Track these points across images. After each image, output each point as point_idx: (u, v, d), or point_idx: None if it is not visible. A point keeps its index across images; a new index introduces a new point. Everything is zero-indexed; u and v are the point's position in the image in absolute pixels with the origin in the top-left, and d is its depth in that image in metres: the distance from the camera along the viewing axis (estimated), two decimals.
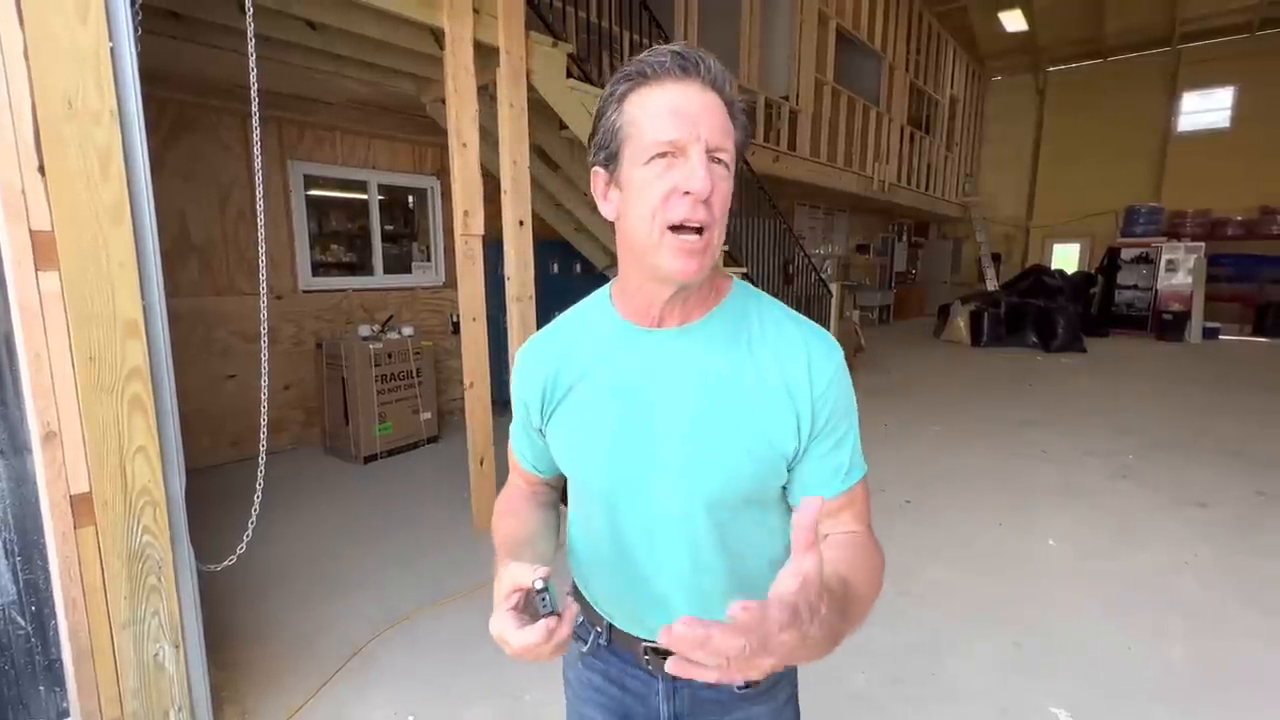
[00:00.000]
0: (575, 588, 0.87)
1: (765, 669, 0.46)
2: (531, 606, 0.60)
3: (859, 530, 0.72)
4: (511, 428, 0.88)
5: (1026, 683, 2.04)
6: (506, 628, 0.58)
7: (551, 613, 0.58)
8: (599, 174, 0.69)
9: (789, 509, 0.75)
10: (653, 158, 0.62)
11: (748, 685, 0.79)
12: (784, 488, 0.73)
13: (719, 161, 0.62)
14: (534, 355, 0.79)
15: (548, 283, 5.04)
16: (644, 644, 0.79)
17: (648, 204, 0.62)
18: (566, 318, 0.81)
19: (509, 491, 0.90)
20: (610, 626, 0.81)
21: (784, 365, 0.69)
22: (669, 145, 0.61)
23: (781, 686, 0.83)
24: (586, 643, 0.84)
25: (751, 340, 0.71)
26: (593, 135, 0.68)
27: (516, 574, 0.61)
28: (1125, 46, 12.04)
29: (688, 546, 0.72)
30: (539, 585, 0.59)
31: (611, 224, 0.69)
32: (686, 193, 0.61)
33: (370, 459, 4.24)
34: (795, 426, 0.69)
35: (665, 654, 0.73)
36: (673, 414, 0.70)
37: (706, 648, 0.44)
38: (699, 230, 0.62)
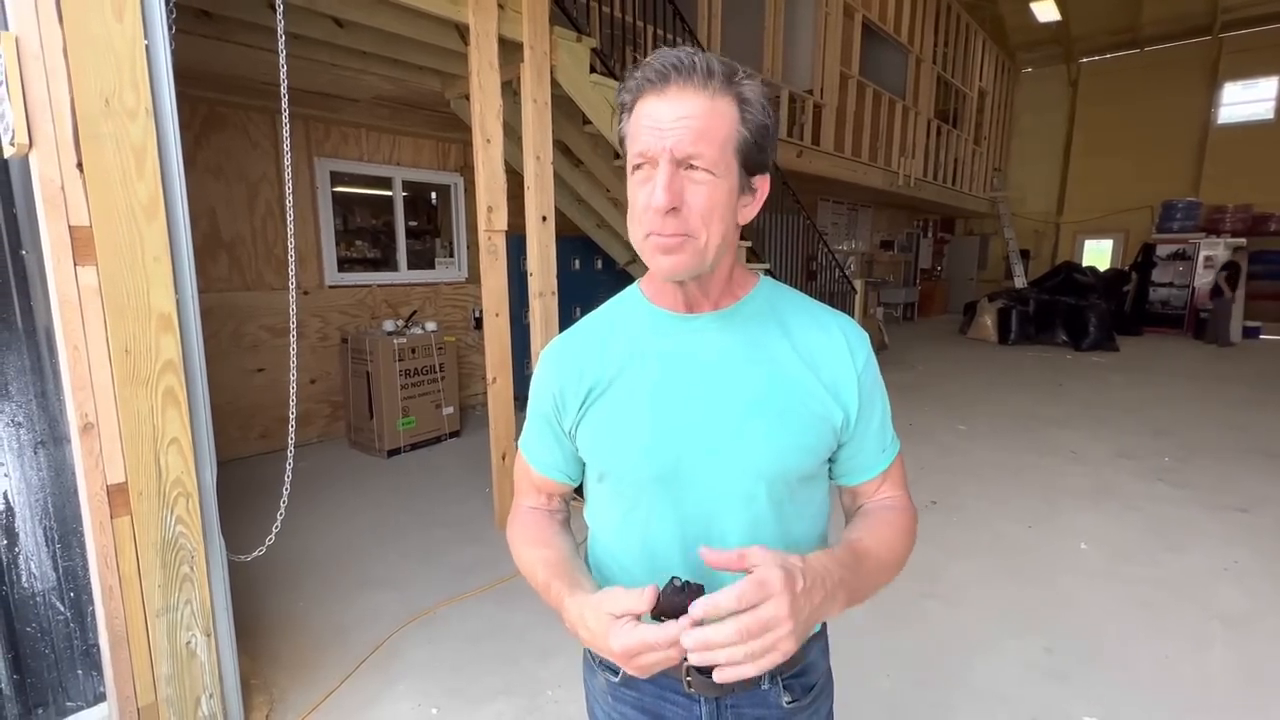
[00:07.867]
0: None
1: (786, 635, 0.52)
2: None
3: (896, 495, 0.79)
4: (527, 439, 0.83)
5: (1057, 689, 1.99)
6: (645, 632, 0.56)
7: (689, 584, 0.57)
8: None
9: (828, 485, 0.79)
10: (634, 169, 0.65)
11: (794, 700, 0.77)
12: (829, 462, 0.76)
13: (693, 168, 0.62)
14: (564, 354, 0.78)
15: (570, 279, 5.07)
16: (686, 663, 0.74)
17: (633, 213, 0.66)
18: (595, 317, 0.80)
19: (527, 520, 0.82)
20: None
21: (824, 345, 0.73)
22: (641, 158, 0.63)
23: (822, 699, 0.82)
24: (618, 672, 0.79)
25: (788, 324, 0.74)
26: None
27: (621, 600, 0.58)
28: (1163, 36, 11.64)
29: (748, 528, 0.72)
30: (679, 582, 0.58)
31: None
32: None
33: (394, 453, 4.29)
34: (841, 401, 0.72)
35: (709, 670, 0.72)
36: (727, 394, 0.70)
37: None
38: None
